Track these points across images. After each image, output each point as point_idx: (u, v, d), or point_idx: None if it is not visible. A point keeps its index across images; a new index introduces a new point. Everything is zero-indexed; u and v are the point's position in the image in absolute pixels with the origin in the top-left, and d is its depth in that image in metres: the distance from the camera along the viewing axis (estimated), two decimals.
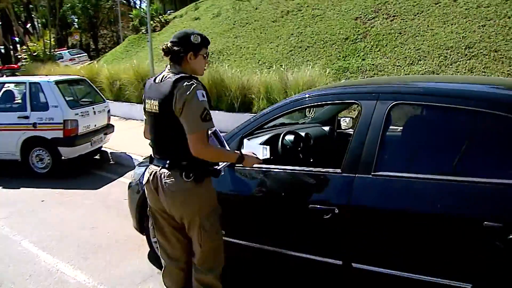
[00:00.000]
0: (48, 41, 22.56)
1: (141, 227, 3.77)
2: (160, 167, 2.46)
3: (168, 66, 2.47)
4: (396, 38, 9.88)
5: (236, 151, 2.57)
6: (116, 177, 6.74)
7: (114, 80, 12.61)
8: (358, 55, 9.99)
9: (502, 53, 8.16)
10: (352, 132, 4.49)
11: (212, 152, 2.39)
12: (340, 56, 10.27)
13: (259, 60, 11.93)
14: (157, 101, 2.37)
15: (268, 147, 2.72)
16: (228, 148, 2.63)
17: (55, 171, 6.77)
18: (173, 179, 2.39)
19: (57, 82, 6.84)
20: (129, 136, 9.27)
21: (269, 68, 10.61)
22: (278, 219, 2.86)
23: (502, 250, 2.04)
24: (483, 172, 2.23)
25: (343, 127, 4.63)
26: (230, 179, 2.99)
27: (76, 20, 42.94)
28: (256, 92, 9.02)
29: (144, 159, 4.39)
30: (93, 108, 7.26)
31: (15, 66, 24.36)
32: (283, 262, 2.92)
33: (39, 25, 34.86)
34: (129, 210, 3.90)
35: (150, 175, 2.53)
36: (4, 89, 7.06)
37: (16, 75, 17.24)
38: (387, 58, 9.50)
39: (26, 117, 6.59)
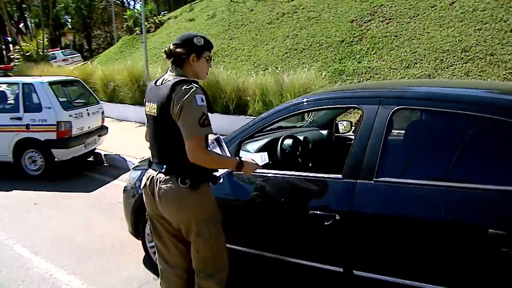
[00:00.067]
0: (41, 41, 22.43)
1: (137, 231, 3.71)
2: (157, 171, 2.42)
3: (170, 69, 2.42)
4: (392, 41, 9.88)
5: (235, 158, 2.52)
6: (110, 180, 6.67)
7: (108, 81, 12.53)
8: (354, 58, 9.98)
9: (498, 57, 8.17)
10: (350, 136, 4.56)
11: (210, 158, 2.33)
12: (336, 58, 10.25)
13: (255, 62, 11.89)
14: (156, 104, 2.33)
15: (266, 153, 2.67)
16: (229, 155, 2.58)
17: (48, 173, 6.70)
18: (169, 185, 2.35)
19: (51, 83, 6.76)
20: (123, 138, 9.21)
21: (264, 70, 10.58)
22: (278, 226, 2.81)
23: (507, 258, 2.00)
24: (488, 179, 2.19)
25: (341, 131, 4.60)
26: (229, 185, 2.94)
27: (70, 20, 42.70)
28: (252, 94, 8.98)
29: (139, 162, 4.33)
30: (87, 110, 7.20)
31: (8, 66, 24.16)
32: (283, 269, 2.86)
33: (32, 25, 34.63)
34: (124, 214, 3.84)
35: (147, 179, 2.49)
36: None
37: (9, 75, 17.08)
38: (383, 61, 9.49)
39: (19, 118, 6.52)
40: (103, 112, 7.84)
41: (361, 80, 9.28)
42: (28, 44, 22.80)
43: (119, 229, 4.46)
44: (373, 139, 2.46)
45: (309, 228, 2.64)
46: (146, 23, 14.36)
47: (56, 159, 6.67)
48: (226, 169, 2.61)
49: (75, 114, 6.80)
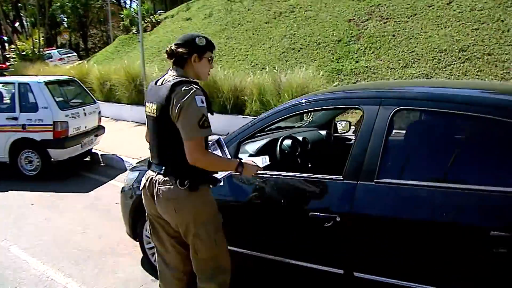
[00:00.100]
0: (37, 40, 22.36)
1: (134, 233, 3.69)
2: (157, 173, 2.41)
3: (171, 69, 2.40)
4: (389, 41, 9.87)
5: (235, 160, 2.49)
6: (107, 180, 6.62)
7: (105, 81, 12.48)
8: (352, 57, 9.97)
9: (495, 57, 8.17)
10: (349, 136, 4.54)
11: (209, 160, 2.31)
12: (333, 58, 10.23)
13: (252, 62, 11.86)
14: (155, 105, 2.30)
15: (267, 156, 2.64)
16: (230, 157, 2.55)
17: (44, 174, 6.66)
18: (168, 186, 2.33)
19: (47, 83, 6.71)
20: (120, 137, 9.17)
21: (261, 70, 10.55)
22: (278, 227, 2.78)
23: (509, 260, 1.99)
24: (490, 180, 2.18)
25: (339, 131, 4.58)
26: (228, 186, 2.91)
27: (66, 19, 42.57)
28: (249, 94, 8.96)
29: (137, 163, 4.30)
30: (84, 109, 7.15)
31: (4, 65, 24.07)
32: (283, 271, 2.84)
33: (28, 24, 34.42)
34: (122, 215, 3.81)
35: (147, 180, 2.48)
36: None
37: (5, 75, 17.02)
38: (381, 60, 9.48)
39: (15, 118, 6.47)
40: (99, 112, 7.79)
41: (359, 79, 9.27)
42: (24, 43, 22.73)
43: (117, 230, 4.43)
44: (373, 140, 2.44)
45: (309, 230, 2.61)
46: (142, 22, 14.34)
47: (52, 159, 6.63)
48: (228, 172, 2.58)
49: (71, 114, 6.75)
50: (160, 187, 2.35)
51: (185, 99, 2.16)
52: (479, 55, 8.35)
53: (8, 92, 6.91)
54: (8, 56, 23.85)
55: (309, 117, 4.47)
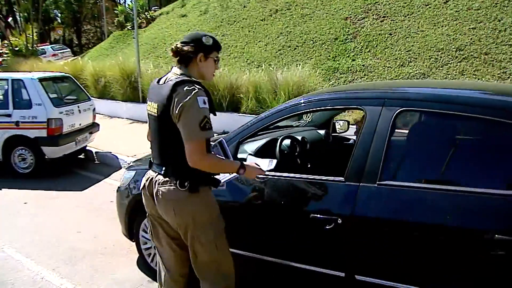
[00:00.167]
0: (31, 36, 22.16)
1: (131, 233, 3.64)
2: (157, 173, 2.36)
3: (174, 67, 2.35)
4: (386, 39, 9.83)
5: (237, 162, 2.42)
6: (101, 178, 6.56)
7: (99, 77, 12.39)
8: (348, 56, 9.92)
9: (492, 56, 8.16)
10: (347, 136, 4.51)
11: (210, 162, 2.25)
12: (330, 56, 10.19)
13: (248, 59, 11.79)
14: (156, 104, 2.25)
15: (275, 160, 2.59)
16: (232, 159, 2.50)
17: (38, 171, 6.60)
18: (168, 187, 2.29)
19: (41, 79, 6.64)
20: (115, 135, 9.09)
21: (257, 67, 10.50)
22: (278, 229, 2.74)
23: None
24: (495, 183, 2.15)
25: (338, 130, 4.55)
26: (227, 186, 2.85)
27: (59, 14, 42.25)
28: (245, 91, 8.91)
29: (133, 162, 4.24)
30: (78, 107, 7.08)
31: None
32: (284, 274, 2.80)
33: (21, 19, 34.11)
34: (118, 215, 3.75)
35: (147, 180, 2.44)
36: None
37: None
38: (377, 59, 9.44)
39: (8, 115, 6.40)
40: (94, 109, 7.72)
41: (355, 78, 9.24)
42: (17, 39, 22.53)
43: (112, 229, 4.37)
44: (376, 142, 2.40)
45: (310, 232, 2.57)
46: (137, 18, 14.22)
47: (46, 157, 6.57)
48: (232, 175, 2.52)
49: (66, 111, 6.69)
50: (160, 188, 2.31)
51: (186, 99, 2.11)
52: (476, 55, 8.34)
53: (1, 89, 6.82)
54: (1, 51, 23.61)
55: (308, 117, 4.43)
